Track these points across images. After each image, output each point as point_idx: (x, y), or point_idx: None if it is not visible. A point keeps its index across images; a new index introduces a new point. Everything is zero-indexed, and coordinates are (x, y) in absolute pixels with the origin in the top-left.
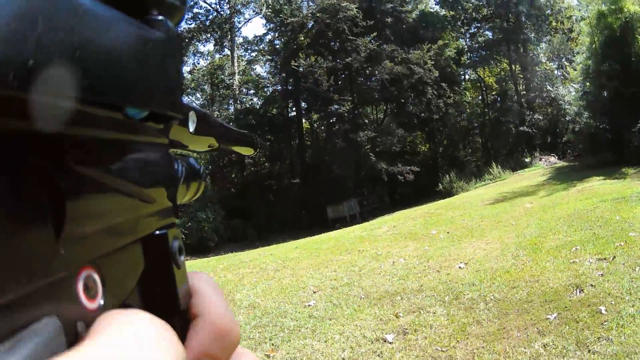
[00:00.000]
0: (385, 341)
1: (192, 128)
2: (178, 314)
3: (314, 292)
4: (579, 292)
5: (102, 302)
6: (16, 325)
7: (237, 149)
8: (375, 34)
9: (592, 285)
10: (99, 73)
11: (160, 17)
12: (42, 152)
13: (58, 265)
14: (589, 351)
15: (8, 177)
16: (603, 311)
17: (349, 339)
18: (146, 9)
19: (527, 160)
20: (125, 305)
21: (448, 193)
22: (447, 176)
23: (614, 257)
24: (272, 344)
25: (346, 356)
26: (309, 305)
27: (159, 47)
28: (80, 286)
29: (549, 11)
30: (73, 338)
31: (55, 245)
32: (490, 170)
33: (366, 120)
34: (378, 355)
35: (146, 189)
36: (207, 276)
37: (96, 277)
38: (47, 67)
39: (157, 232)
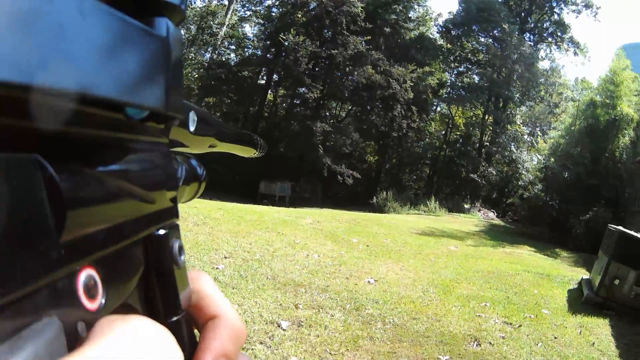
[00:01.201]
0: (279, 326)
1: (192, 128)
2: (179, 314)
3: (225, 258)
4: (476, 345)
5: (102, 302)
6: (17, 325)
7: (237, 149)
8: (369, 37)
9: (490, 343)
10: (99, 73)
11: (160, 17)
12: (42, 151)
13: (58, 265)
14: None
15: (9, 176)
16: None
17: (245, 313)
18: (147, 9)
19: (467, 206)
20: (125, 305)
21: (380, 209)
22: (385, 193)
23: (520, 325)
24: None
25: None
26: (216, 268)
27: (160, 47)
28: (80, 286)
29: (542, 80)
30: (73, 338)
31: (56, 246)
32: (427, 202)
33: (327, 114)
34: (269, 338)
35: (146, 189)
36: (206, 274)
37: (96, 277)
38: (48, 67)
39: (158, 233)
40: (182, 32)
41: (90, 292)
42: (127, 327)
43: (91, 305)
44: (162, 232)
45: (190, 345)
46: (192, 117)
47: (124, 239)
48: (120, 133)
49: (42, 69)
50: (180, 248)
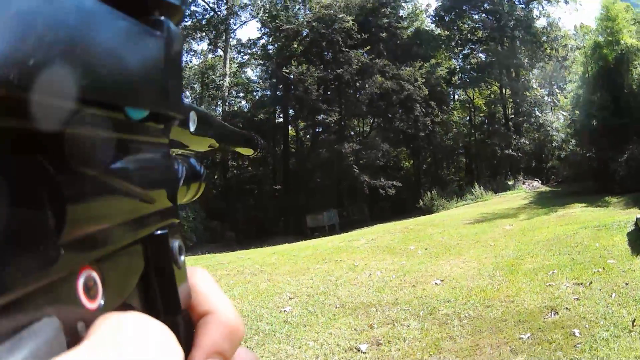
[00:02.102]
0: (358, 350)
1: (192, 128)
2: (179, 313)
3: (290, 299)
4: (554, 315)
5: (102, 302)
6: (17, 325)
7: (237, 149)
8: (368, 47)
9: (567, 308)
10: (99, 73)
11: (161, 18)
12: (42, 152)
13: (58, 265)
14: None
15: (9, 177)
16: (577, 334)
17: (322, 346)
18: (147, 9)
19: (510, 183)
20: (125, 305)
21: (428, 210)
22: (429, 193)
23: (591, 282)
24: (247, 347)
25: None
26: (284, 311)
27: (160, 48)
28: (80, 286)
29: (544, 38)
30: (73, 338)
31: (56, 246)
32: (472, 190)
33: (352, 133)
34: None
35: (146, 189)
36: (204, 272)
37: (96, 277)
38: (48, 67)
39: (158, 233)
40: (187, 92)
41: (90, 292)
42: (127, 323)
43: (91, 305)
44: (162, 232)
45: (190, 345)
46: (192, 117)
47: (124, 239)
48: (120, 133)
49: (42, 69)
50: (180, 248)
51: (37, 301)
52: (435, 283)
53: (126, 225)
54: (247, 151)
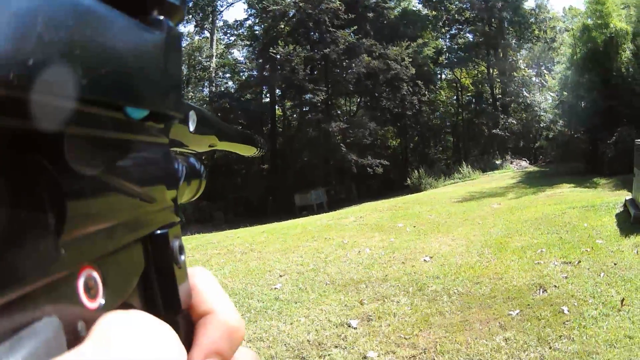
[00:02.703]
0: (349, 326)
1: (192, 127)
2: (179, 313)
3: (281, 276)
4: (542, 292)
5: (102, 301)
6: (17, 324)
7: (238, 148)
8: (355, 27)
9: (555, 286)
10: (99, 73)
11: (160, 17)
12: (42, 151)
13: (59, 264)
14: (550, 348)
15: (9, 176)
16: (565, 311)
17: (314, 322)
18: (147, 8)
19: (498, 162)
20: (126, 304)
21: (416, 189)
22: (416, 172)
23: (579, 261)
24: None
25: (311, 338)
26: (275, 288)
27: (159, 47)
28: (80, 286)
29: (532, 19)
30: (73, 338)
31: (56, 245)
32: (460, 169)
33: (339, 112)
34: (342, 339)
35: (147, 189)
36: (204, 271)
37: (97, 276)
38: (47, 67)
39: (158, 232)
40: None
41: (91, 292)
42: (129, 322)
43: (91, 305)
44: (162, 231)
45: (189, 344)
46: (192, 116)
47: (124, 238)
48: (119, 133)
49: (42, 69)
50: (181, 247)
51: (37, 301)
52: (424, 260)
53: (126, 224)
54: (248, 150)
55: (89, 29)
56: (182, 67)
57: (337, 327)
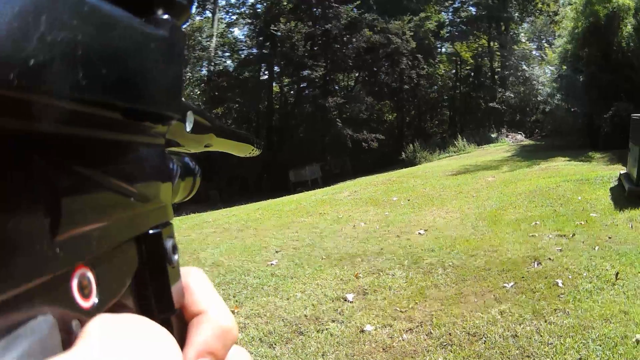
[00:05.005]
0: (345, 300)
1: (189, 128)
2: (172, 312)
3: (276, 252)
4: (537, 265)
5: (96, 300)
6: (11, 323)
7: (234, 147)
8: (358, 2)
9: (550, 259)
10: (99, 73)
11: (165, 16)
12: (38, 150)
13: (53, 264)
14: (545, 321)
15: (4, 176)
16: (560, 284)
17: (310, 297)
18: (152, 7)
19: (494, 135)
20: (119, 304)
21: (411, 162)
22: (411, 146)
23: (574, 234)
24: (236, 301)
25: (308, 313)
26: (271, 264)
27: (162, 47)
28: (74, 285)
29: None
30: (68, 336)
31: (51, 244)
32: (455, 142)
33: (336, 87)
34: (339, 313)
35: (141, 189)
36: (198, 271)
37: (91, 275)
38: (47, 67)
39: (151, 231)
40: None
41: (84, 291)
42: (123, 323)
43: (85, 304)
44: (155, 231)
45: (182, 344)
46: (189, 116)
47: (118, 238)
48: (116, 133)
49: (42, 69)
50: (174, 247)
51: (32, 299)
52: (419, 233)
53: (120, 224)
54: (244, 149)
55: (90, 28)
56: (183, 67)
57: (333, 301)
